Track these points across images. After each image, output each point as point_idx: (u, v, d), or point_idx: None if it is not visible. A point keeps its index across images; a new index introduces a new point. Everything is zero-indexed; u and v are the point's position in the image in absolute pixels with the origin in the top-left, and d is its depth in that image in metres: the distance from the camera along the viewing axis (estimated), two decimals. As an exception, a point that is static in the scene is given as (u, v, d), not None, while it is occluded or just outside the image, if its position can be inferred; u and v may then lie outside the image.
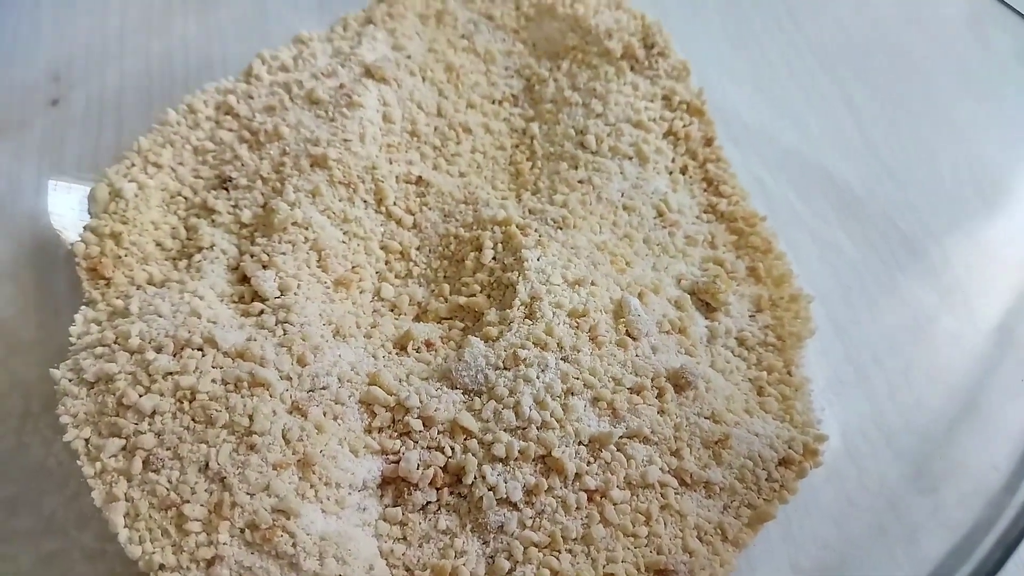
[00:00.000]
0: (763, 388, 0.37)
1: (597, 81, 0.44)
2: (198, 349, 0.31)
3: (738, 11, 0.53)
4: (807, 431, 0.35)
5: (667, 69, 0.45)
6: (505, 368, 0.33)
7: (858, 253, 0.44)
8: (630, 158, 0.42)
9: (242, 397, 0.30)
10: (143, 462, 0.28)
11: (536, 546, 0.30)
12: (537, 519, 0.30)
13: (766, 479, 0.33)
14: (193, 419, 0.29)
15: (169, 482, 0.28)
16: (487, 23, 0.47)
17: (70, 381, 0.31)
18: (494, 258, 0.38)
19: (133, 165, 0.40)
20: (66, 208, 0.42)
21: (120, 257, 0.37)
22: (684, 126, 0.44)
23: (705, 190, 0.44)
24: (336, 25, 0.46)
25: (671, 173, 0.43)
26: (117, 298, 0.35)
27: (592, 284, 0.36)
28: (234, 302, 0.35)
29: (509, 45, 0.47)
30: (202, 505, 0.28)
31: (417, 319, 0.38)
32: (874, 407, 0.39)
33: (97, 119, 0.49)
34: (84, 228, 0.38)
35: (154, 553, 0.27)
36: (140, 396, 0.30)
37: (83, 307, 0.36)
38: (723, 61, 0.50)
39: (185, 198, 0.40)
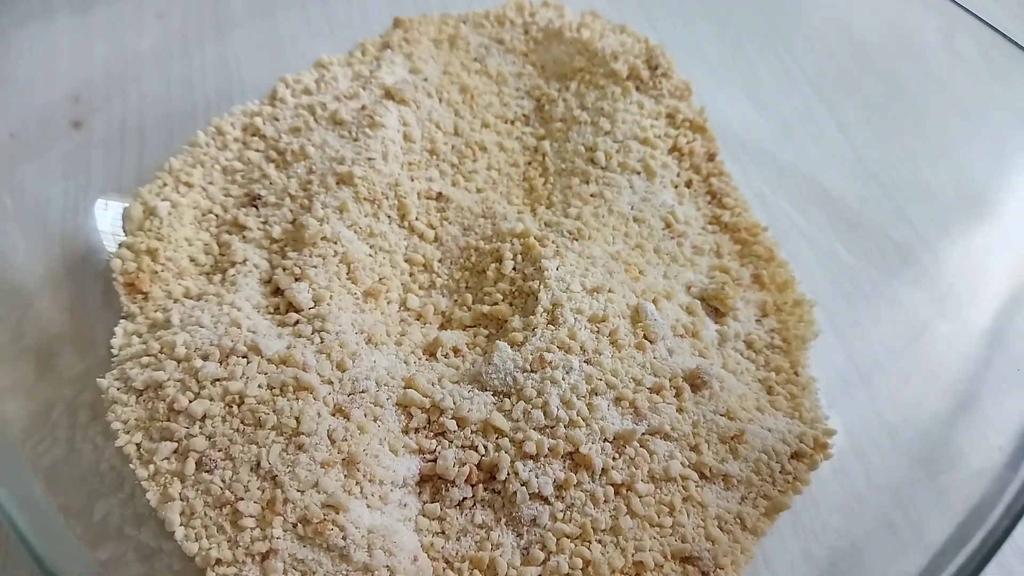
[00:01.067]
0: (772, 388, 0.39)
1: (604, 101, 0.47)
2: (243, 356, 0.33)
3: (733, 39, 0.55)
4: (816, 426, 0.37)
5: (670, 89, 0.48)
6: (532, 371, 0.35)
7: (855, 262, 0.46)
8: (638, 173, 0.45)
9: (288, 400, 0.31)
10: (196, 463, 0.30)
11: (568, 537, 0.31)
12: (568, 512, 0.32)
13: (780, 471, 0.35)
14: (243, 422, 0.31)
15: (223, 481, 0.29)
16: (498, 47, 0.50)
17: (118, 389, 0.33)
18: (514, 268, 0.40)
19: (165, 184, 0.42)
20: (96, 227, 0.44)
21: (156, 272, 0.39)
22: (688, 142, 0.47)
23: (709, 202, 0.46)
24: (355, 50, 0.49)
25: (677, 187, 0.46)
26: (156, 311, 0.37)
27: (610, 291, 0.38)
28: (269, 313, 0.37)
29: (519, 67, 0.49)
30: (255, 502, 0.29)
31: (442, 327, 0.39)
32: (876, 406, 0.41)
33: (119, 141, 0.50)
34: (119, 245, 0.40)
35: (210, 549, 0.28)
36: (190, 401, 0.31)
37: (122, 320, 0.37)
38: (721, 85, 0.52)
39: (216, 215, 0.42)
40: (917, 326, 0.44)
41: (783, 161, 0.51)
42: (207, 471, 0.30)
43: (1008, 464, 0.34)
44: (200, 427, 0.31)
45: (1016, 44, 0.44)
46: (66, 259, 0.43)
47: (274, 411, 0.31)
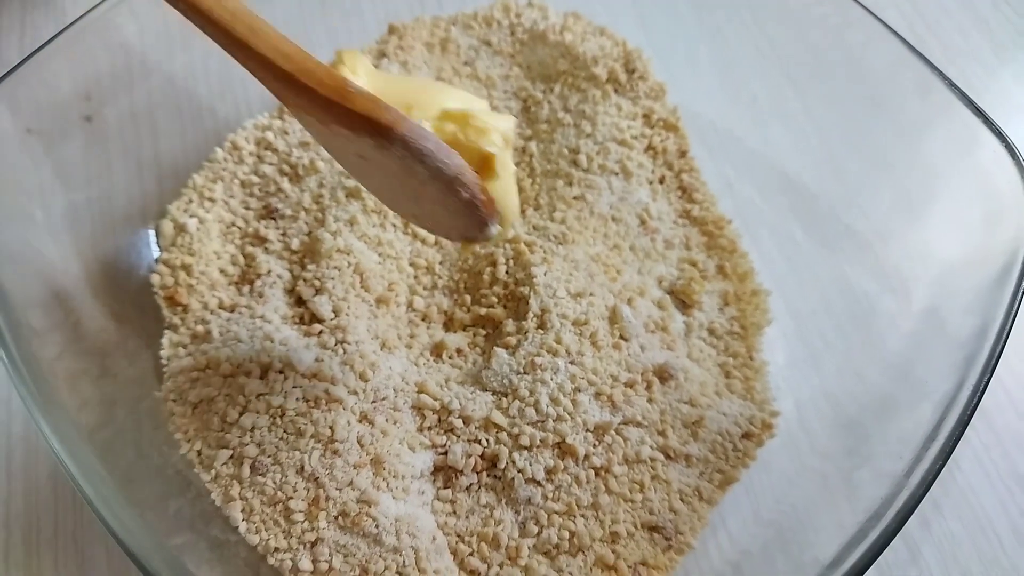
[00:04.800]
0: (730, 372, 0.45)
1: (586, 104, 0.51)
2: (279, 371, 0.39)
3: (711, 22, 0.58)
4: (764, 408, 0.43)
5: (646, 90, 0.52)
6: (525, 373, 0.41)
7: (811, 246, 0.52)
8: (616, 174, 0.49)
9: (322, 412, 0.38)
10: (251, 467, 0.36)
11: (557, 513, 0.38)
12: (556, 492, 0.39)
13: (732, 450, 0.42)
14: (285, 431, 0.37)
15: (274, 483, 0.36)
16: (486, 48, 0.53)
17: (175, 402, 0.39)
18: (507, 272, 0.45)
19: (191, 201, 0.47)
20: (124, 235, 0.48)
21: (191, 285, 0.44)
22: (661, 141, 0.51)
23: (680, 197, 0.51)
24: (356, 59, 0.52)
25: (651, 183, 0.50)
26: (196, 323, 0.43)
27: (591, 295, 0.44)
28: (295, 323, 0.43)
29: (506, 70, 0.53)
30: (303, 500, 0.36)
31: (445, 326, 0.45)
32: (823, 381, 0.47)
33: (134, 134, 0.53)
34: (157, 261, 0.45)
35: (269, 539, 0.35)
36: (240, 415, 0.37)
37: (166, 331, 0.43)
38: (701, 76, 0.55)
39: (239, 228, 0.46)
40: (863, 306, 0.50)
41: (751, 147, 0.55)
42: (260, 474, 0.36)
43: (926, 442, 0.40)
44: (251, 436, 0.37)
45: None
46: (101, 267, 0.47)
47: (311, 422, 0.37)
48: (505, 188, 0.32)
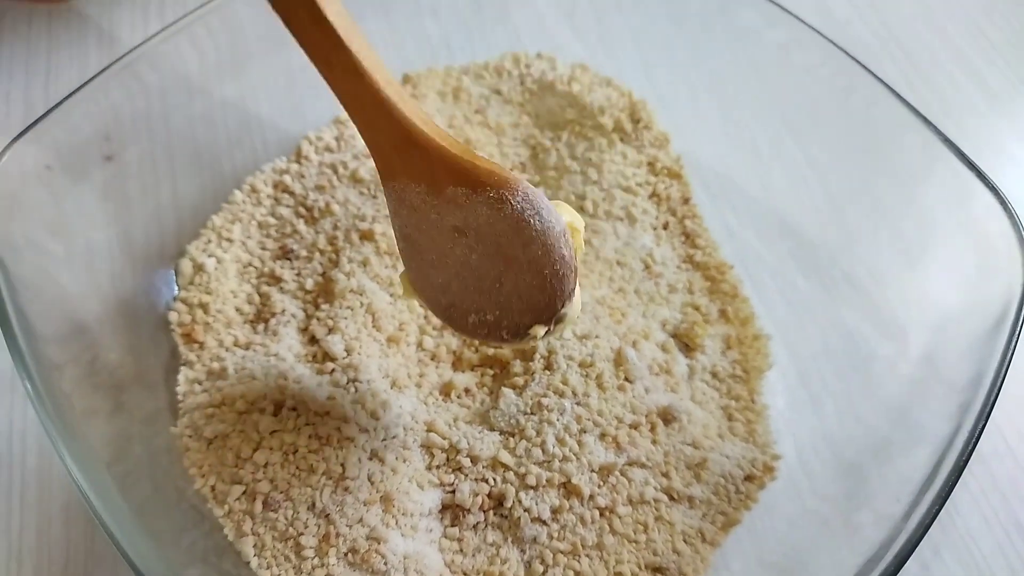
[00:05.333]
0: (732, 415, 0.46)
1: (592, 152, 0.53)
2: (292, 409, 0.40)
3: (720, 85, 0.60)
4: (766, 451, 0.44)
5: (651, 139, 0.54)
6: (532, 413, 0.42)
7: (811, 292, 0.53)
8: (621, 219, 0.51)
9: (334, 449, 0.38)
10: (263, 503, 0.37)
11: (562, 553, 0.39)
12: (562, 532, 0.39)
13: (735, 492, 0.42)
14: (298, 468, 0.38)
15: (286, 519, 0.37)
16: (496, 97, 0.55)
17: (190, 437, 0.40)
18: (515, 314, 0.46)
19: (210, 241, 0.48)
20: (142, 273, 0.49)
21: (208, 323, 0.45)
22: (665, 188, 0.53)
23: (683, 243, 0.52)
24: (369, 106, 0.54)
25: (655, 229, 0.52)
26: (212, 360, 0.44)
27: (596, 337, 0.45)
28: (308, 361, 0.44)
29: (516, 118, 0.55)
30: (313, 536, 0.36)
31: (453, 366, 0.46)
32: (823, 425, 0.48)
33: (153, 176, 0.55)
34: (175, 299, 0.46)
35: (280, 574, 0.36)
36: (253, 452, 0.38)
37: (183, 367, 0.44)
38: (704, 126, 0.57)
39: (255, 268, 0.48)
40: (862, 351, 0.51)
41: (752, 194, 0.57)
42: (272, 510, 0.37)
43: (925, 484, 0.41)
44: (264, 472, 0.38)
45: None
46: (119, 303, 0.49)
47: (323, 459, 0.38)
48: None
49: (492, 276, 0.33)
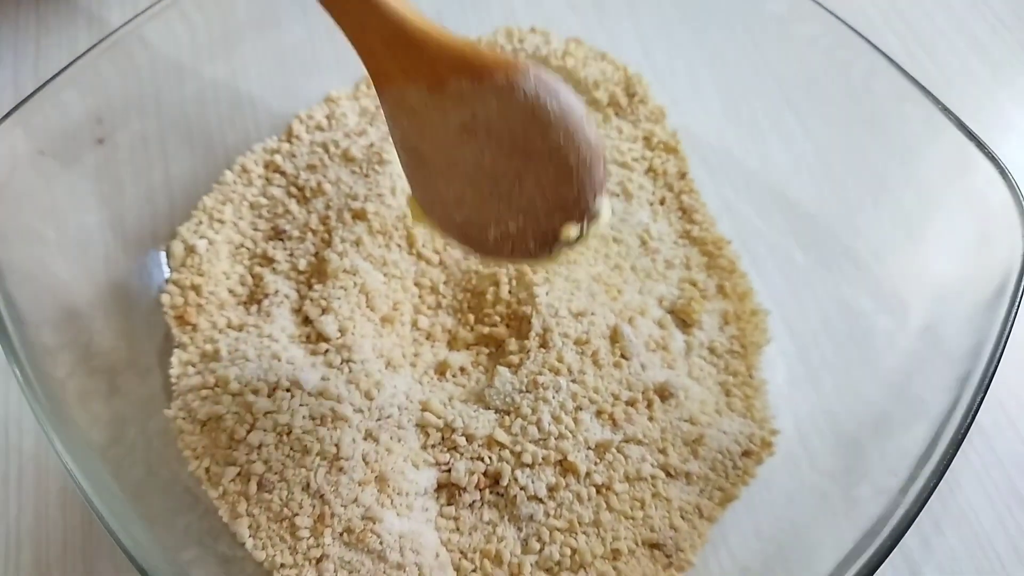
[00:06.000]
0: (730, 390, 0.46)
1: (588, 127, 0.52)
2: (286, 390, 0.40)
3: (718, 57, 0.59)
4: (764, 426, 0.44)
5: (646, 114, 0.53)
6: (527, 391, 0.41)
7: (809, 266, 0.52)
8: (617, 195, 0.50)
9: (328, 429, 0.38)
10: (257, 485, 0.37)
11: (559, 530, 0.39)
12: (558, 509, 0.39)
13: (732, 468, 0.42)
14: (292, 449, 0.38)
15: (280, 500, 0.37)
16: (489, 73, 0.54)
17: (183, 419, 0.40)
18: (510, 292, 0.46)
19: (201, 223, 0.48)
20: (134, 256, 0.49)
21: (201, 305, 0.45)
22: (662, 163, 0.52)
23: (680, 218, 0.52)
24: (360, 83, 0.53)
25: (651, 204, 0.51)
26: (205, 342, 0.43)
27: (592, 314, 0.45)
28: (302, 342, 0.44)
29: (510, 94, 0.54)
30: (308, 516, 0.36)
31: (449, 344, 0.46)
32: (822, 399, 0.47)
33: (144, 158, 0.54)
34: (167, 282, 0.46)
35: (275, 555, 0.36)
36: (248, 433, 0.38)
37: (176, 350, 0.44)
38: (700, 99, 0.56)
39: (248, 249, 0.47)
40: (862, 325, 0.51)
41: (749, 168, 0.56)
42: (267, 491, 0.37)
43: (922, 458, 0.41)
44: (258, 454, 0.38)
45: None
46: (112, 287, 0.48)
47: (317, 439, 0.38)
48: None
49: (510, 176, 0.29)
